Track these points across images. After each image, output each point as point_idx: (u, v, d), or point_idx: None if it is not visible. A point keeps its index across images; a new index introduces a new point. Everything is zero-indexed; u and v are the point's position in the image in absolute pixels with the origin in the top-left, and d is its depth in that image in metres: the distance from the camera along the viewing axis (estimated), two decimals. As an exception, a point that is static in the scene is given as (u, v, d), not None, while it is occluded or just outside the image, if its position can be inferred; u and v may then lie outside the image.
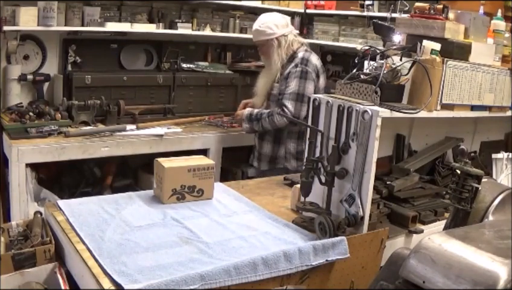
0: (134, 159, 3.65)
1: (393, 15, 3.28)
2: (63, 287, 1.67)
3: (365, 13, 4.04)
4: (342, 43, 4.38)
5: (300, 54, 3.13)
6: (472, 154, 2.85)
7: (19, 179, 2.98)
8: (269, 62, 3.17)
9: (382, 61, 2.07)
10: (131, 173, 3.79)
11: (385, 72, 2.02)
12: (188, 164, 2.22)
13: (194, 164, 2.22)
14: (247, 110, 3.24)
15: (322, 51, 4.79)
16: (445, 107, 2.21)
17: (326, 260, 1.81)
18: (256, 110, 3.21)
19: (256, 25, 3.19)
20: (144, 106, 3.70)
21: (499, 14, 2.55)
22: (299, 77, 3.04)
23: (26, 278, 1.70)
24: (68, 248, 1.79)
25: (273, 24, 3.14)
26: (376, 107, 1.94)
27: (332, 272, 1.87)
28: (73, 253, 1.73)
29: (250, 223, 2.04)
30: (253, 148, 3.43)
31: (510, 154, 2.77)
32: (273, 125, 3.09)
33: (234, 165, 4.28)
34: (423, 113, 2.09)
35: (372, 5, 4.03)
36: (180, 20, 4.03)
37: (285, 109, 2.99)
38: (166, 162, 2.20)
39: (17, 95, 3.48)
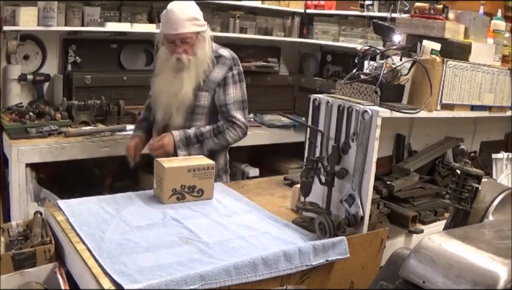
0: (134, 159, 3.64)
1: (393, 15, 3.28)
2: (63, 287, 1.67)
3: (365, 13, 4.05)
4: (342, 43, 4.38)
5: (223, 52, 2.60)
6: (472, 154, 2.85)
7: (19, 179, 2.98)
8: (193, 62, 2.46)
9: (382, 61, 2.07)
10: (131, 173, 3.78)
11: (385, 72, 2.02)
12: (188, 164, 2.22)
13: (194, 164, 2.22)
14: (176, 133, 2.49)
15: (322, 51, 4.79)
16: (445, 107, 2.21)
17: (326, 260, 1.81)
18: (190, 131, 2.51)
19: (184, 14, 2.39)
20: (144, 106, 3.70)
21: (499, 14, 2.55)
22: (239, 81, 2.60)
23: (26, 278, 1.70)
24: (68, 248, 1.79)
25: (200, 14, 2.49)
26: (376, 107, 1.94)
27: (332, 272, 1.87)
28: (73, 253, 1.73)
29: (250, 223, 2.04)
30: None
31: (510, 154, 2.77)
32: (224, 144, 2.58)
33: (234, 165, 4.28)
34: (423, 113, 2.09)
35: (372, 5, 4.03)
36: (180, 20, 4.02)
37: (238, 122, 2.56)
38: (166, 162, 2.20)
39: (17, 95, 3.48)
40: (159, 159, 2.23)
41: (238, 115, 2.56)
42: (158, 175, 2.21)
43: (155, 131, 2.67)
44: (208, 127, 2.55)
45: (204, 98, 2.54)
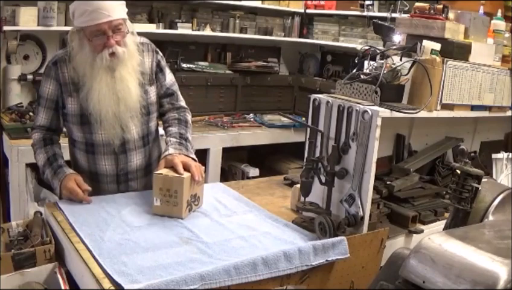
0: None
1: (393, 15, 3.29)
2: (63, 287, 1.67)
3: (365, 13, 4.05)
4: (342, 43, 4.39)
5: (141, 39, 2.24)
6: (472, 154, 2.85)
7: (19, 179, 2.98)
8: (127, 55, 2.08)
9: (382, 61, 2.07)
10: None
11: (385, 72, 2.02)
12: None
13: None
14: (177, 151, 2.11)
15: (322, 51, 4.80)
16: (445, 107, 2.21)
17: (326, 260, 1.81)
18: (175, 139, 2.19)
19: None
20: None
21: (499, 14, 2.55)
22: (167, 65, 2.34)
23: (26, 278, 1.70)
24: (68, 248, 1.79)
25: None
26: (376, 107, 1.94)
27: (332, 272, 1.87)
28: (73, 253, 1.73)
29: (250, 223, 2.04)
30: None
31: (510, 154, 2.77)
32: (190, 129, 2.32)
33: (234, 165, 4.29)
34: (423, 113, 2.09)
35: (372, 5, 4.03)
36: (180, 20, 4.03)
37: (184, 104, 2.35)
38: (172, 173, 2.03)
39: (17, 95, 3.49)
40: (159, 172, 2.01)
41: (181, 97, 2.36)
42: (167, 189, 1.99)
43: (101, 156, 2.20)
44: (175, 126, 2.25)
45: (153, 93, 2.23)
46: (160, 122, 2.38)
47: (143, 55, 2.19)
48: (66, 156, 2.30)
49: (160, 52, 2.29)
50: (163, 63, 2.28)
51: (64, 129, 2.32)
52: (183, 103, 2.35)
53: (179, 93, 2.34)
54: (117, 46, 2.04)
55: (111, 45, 2.02)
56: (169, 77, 2.29)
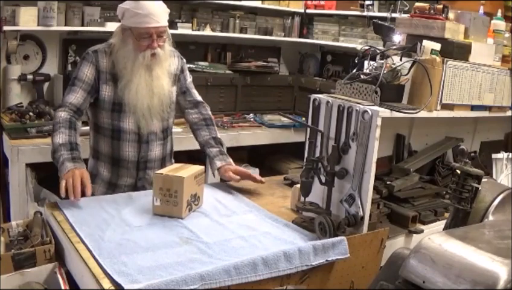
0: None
1: (393, 15, 3.29)
2: (63, 287, 1.67)
3: (365, 13, 4.06)
4: (342, 43, 4.39)
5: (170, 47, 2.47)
6: (472, 154, 2.85)
7: (19, 179, 2.98)
8: (163, 57, 2.33)
9: (382, 61, 2.07)
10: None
11: (385, 72, 2.02)
12: (190, 171, 2.10)
13: (195, 171, 2.12)
14: (226, 161, 2.46)
15: (322, 51, 4.80)
16: (445, 107, 2.21)
17: (326, 260, 1.81)
18: (217, 148, 2.50)
19: (161, 5, 2.28)
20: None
21: (499, 14, 2.55)
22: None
23: (26, 278, 1.70)
24: (68, 248, 1.79)
25: None
26: (376, 107, 1.94)
27: (332, 272, 1.87)
28: (73, 253, 1.73)
29: (250, 223, 2.04)
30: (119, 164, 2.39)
31: (510, 154, 2.77)
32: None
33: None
34: (423, 113, 2.09)
35: (372, 5, 4.04)
36: (180, 20, 4.04)
37: (202, 100, 2.59)
38: (172, 172, 2.06)
39: (17, 95, 3.49)
40: (162, 172, 2.06)
41: (197, 93, 2.58)
42: (167, 189, 2.01)
43: (125, 142, 2.36)
44: (205, 129, 2.53)
45: (175, 93, 2.47)
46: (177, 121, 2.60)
47: (171, 59, 2.45)
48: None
49: (184, 59, 2.55)
50: (186, 66, 2.54)
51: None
52: (199, 97, 2.58)
53: (195, 91, 2.57)
54: (158, 49, 2.28)
55: (154, 48, 2.26)
56: (188, 79, 2.56)
